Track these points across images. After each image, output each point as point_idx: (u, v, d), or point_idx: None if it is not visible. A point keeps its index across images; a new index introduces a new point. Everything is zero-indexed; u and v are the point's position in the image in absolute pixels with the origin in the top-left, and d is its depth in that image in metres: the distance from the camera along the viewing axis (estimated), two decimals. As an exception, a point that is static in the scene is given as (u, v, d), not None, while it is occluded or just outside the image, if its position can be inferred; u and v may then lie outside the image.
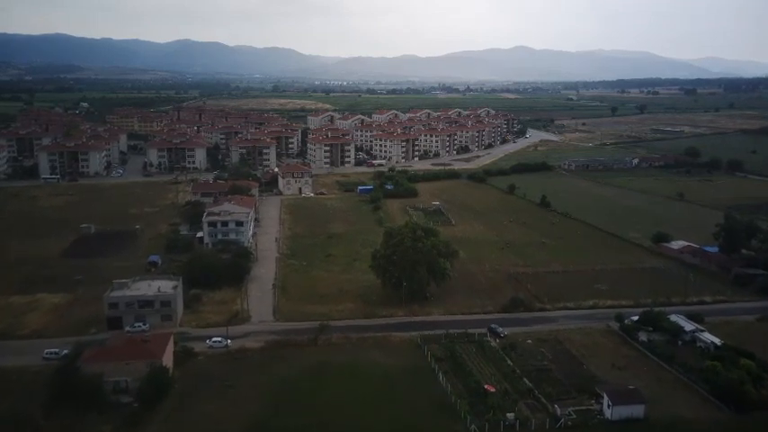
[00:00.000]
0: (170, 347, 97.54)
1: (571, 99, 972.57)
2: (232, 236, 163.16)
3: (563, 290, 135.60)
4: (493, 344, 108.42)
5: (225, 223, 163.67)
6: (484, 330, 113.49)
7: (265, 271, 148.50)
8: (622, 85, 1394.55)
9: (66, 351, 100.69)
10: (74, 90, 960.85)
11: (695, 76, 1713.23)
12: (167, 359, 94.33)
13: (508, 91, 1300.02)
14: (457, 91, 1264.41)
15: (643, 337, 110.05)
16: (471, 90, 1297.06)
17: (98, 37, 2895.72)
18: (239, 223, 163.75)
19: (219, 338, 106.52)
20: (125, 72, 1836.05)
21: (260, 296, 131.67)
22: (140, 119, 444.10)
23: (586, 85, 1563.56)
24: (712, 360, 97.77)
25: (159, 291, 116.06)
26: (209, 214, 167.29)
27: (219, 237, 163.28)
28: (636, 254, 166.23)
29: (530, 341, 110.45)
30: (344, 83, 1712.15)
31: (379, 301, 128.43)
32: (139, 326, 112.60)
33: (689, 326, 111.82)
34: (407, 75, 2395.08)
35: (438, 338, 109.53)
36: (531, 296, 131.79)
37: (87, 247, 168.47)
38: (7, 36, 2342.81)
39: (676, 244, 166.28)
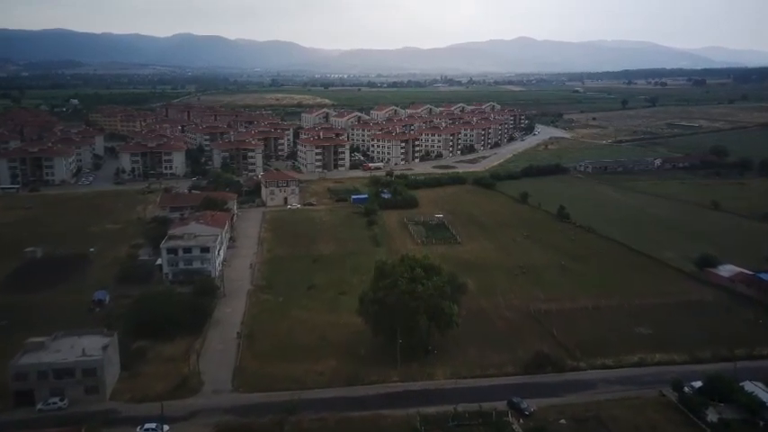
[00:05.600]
0: (78, 449, 71.74)
1: (577, 91, 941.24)
2: (196, 264, 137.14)
3: (598, 337, 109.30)
4: (516, 426, 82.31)
5: (188, 249, 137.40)
6: (503, 403, 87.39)
7: (232, 310, 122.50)
8: (628, 75, 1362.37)
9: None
10: (68, 86, 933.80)
11: (698, 66, 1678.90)
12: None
13: (512, 83, 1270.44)
14: (459, 83, 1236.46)
15: (712, 415, 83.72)
16: (474, 82, 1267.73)
17: (99, 32, 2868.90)
18: (205, 249, 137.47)
19: (153, 426, 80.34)
20: (124, 67, 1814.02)
21: (220, 350, 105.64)
22: (123, 118, 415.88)
23: (591, 76, 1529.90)
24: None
25: (83, 354, 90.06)
26: (169, 238, 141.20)
27: (181, 266, 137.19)
28: (677, 282, 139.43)
29: (563, 421, 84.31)
30: (345, 76, 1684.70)
31: (369, 357, 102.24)
32: (55, 402, 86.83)
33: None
34: (409, 67, 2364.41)
35: (443, 419, 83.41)
36: (559, 347, 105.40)
37: (28, 278, 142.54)
38: (8, 32, 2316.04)
39: (725, 269, 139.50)
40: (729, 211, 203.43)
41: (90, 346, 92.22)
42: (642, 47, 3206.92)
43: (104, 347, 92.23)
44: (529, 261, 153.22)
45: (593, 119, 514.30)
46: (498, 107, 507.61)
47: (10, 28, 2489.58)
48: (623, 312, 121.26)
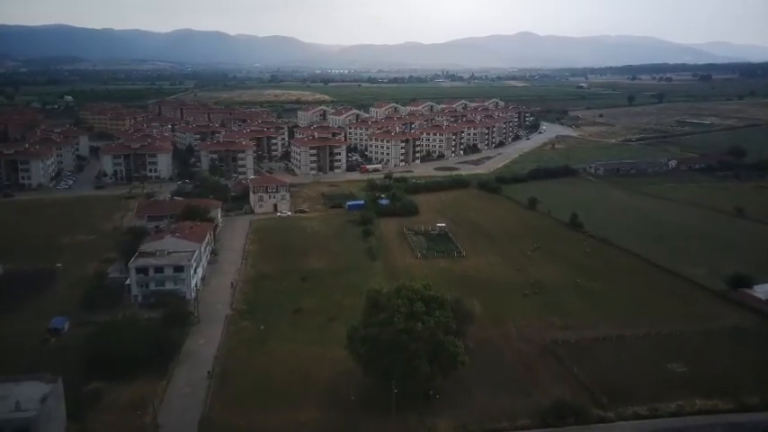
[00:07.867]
0: None
1: (582, 87, 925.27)
2: (169, 285, 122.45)
3: (625, 376, 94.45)
4: (535, 503, 67.72)
5: (160, 269, 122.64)
6: (518, 469, 72.89)
7: (206, 341, 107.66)
8: (631, 71, 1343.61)
9: None
10: (64, 83, 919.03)
11: (703, 62, 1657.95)
12: None
13: (514, 78, 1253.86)
14: (461, 79, 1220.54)
15: (775, 488, 69.13)
16: (476, 78, 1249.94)
17: (99, 27, 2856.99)
18: (179, 269, 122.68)
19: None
20: (124, 63, 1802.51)
21: (187, 393, 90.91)
22: (113, 116, 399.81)
23: (594, 71, 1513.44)
24: None
25: (17, 408, 75.22)
26: (139, 255, 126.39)
27: (153, 287, 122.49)
28: (706, 303, 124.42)
29: (592, 494, 69.69)
30: (346, 72, 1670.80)
31: (360, 402, 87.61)
32: (-21, 469, 72.19)
33: None
34: (410, 62, 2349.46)
35: (447, 492, 68.90)
36: (582, 390, 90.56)
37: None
38: (6, 28, 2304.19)
39: (762, 290, 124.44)
40: (754, 218, 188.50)
41: (27, 397, 77.13)
42: (645, 42, 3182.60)
43: (44, 398, 77.29)
44: (541, 278, 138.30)
45: (600, 116, 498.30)
46: (502, 104, 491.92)
47: (8, 24, 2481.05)
48: (651, 343, 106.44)
